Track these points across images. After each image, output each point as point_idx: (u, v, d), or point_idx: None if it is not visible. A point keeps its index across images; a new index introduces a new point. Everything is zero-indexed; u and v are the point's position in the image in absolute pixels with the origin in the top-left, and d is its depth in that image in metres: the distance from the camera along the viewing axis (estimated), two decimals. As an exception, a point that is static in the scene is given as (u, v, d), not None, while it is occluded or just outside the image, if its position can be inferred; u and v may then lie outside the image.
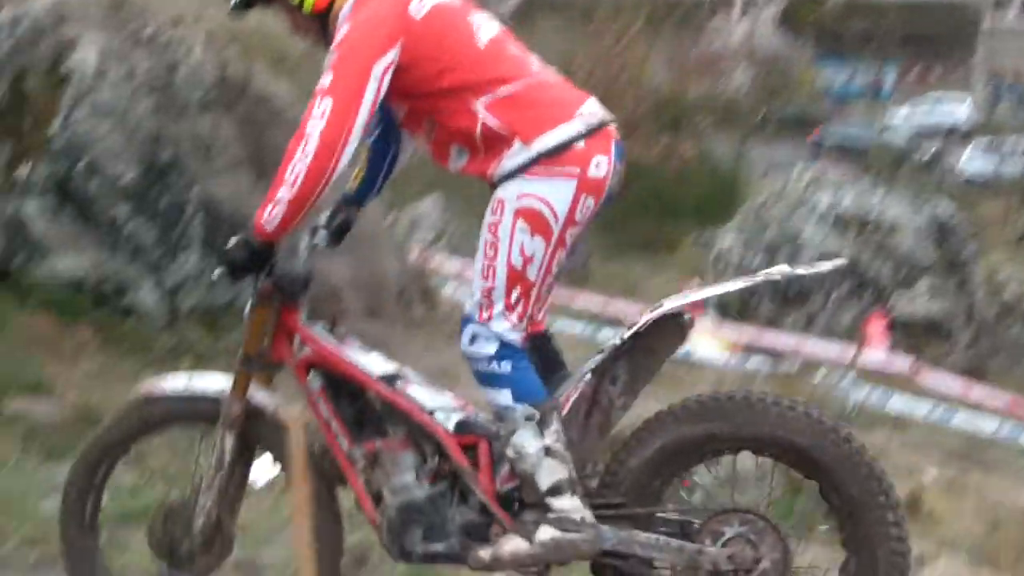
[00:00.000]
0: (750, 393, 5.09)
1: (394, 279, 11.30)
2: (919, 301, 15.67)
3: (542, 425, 4.51)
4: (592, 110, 4.58)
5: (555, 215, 4.48)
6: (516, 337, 4.54)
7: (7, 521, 6.81)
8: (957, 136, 48.85)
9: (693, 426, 4.69)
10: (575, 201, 4.48)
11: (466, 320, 4.58)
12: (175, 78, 10.15)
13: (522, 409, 4.50)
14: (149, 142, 9.84)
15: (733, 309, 15.98)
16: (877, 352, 14.13)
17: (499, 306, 4.53)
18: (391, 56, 4.42)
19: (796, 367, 13.34)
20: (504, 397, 4.54)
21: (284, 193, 4.31)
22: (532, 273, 4.50)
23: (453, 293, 12.75)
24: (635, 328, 4.58)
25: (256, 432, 4.89)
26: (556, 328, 4.73)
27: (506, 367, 4.53)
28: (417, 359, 5.17)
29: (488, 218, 4.55)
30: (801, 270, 4.84)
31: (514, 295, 4.53)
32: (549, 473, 4.53)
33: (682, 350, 10.19)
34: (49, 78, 9.68)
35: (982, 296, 16.35)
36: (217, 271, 4.65)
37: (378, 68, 4.39)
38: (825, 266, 4.92)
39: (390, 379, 4.71)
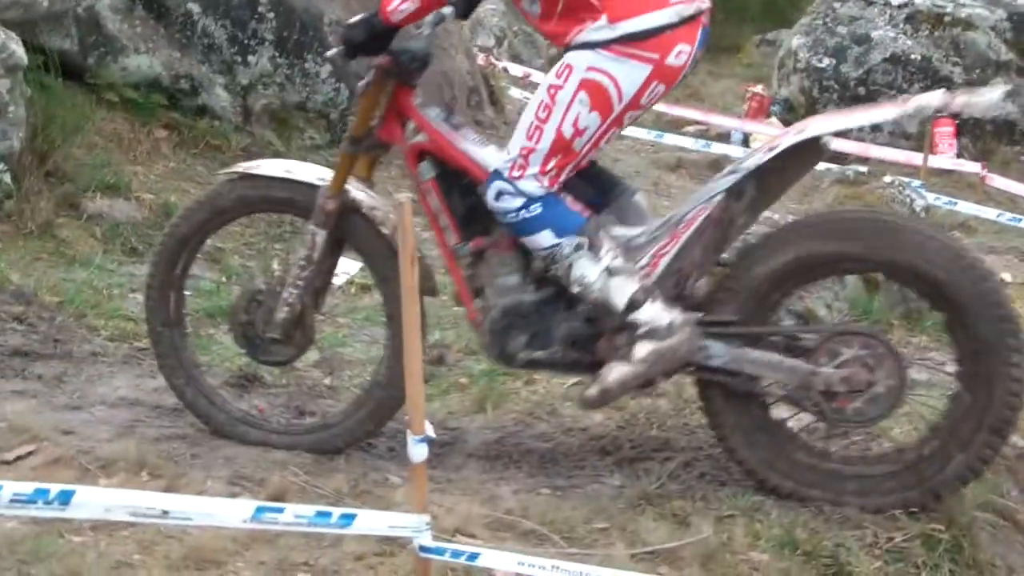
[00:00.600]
0: (891, 215, 5.11)
1: (464, 79, 11.26)
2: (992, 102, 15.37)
3: (593, 249, 4.54)
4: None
5: (620, 95, 4.46)
6: (541, 189, 4.56)
7: (96, 317, 6.91)
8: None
9: (829, 243, 4.62)
10: (645, 86, 4.47)
11: (495, 175, 4.60)
12: None
13: (567, 241, 4.51)
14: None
15: (800, 111, 15.80)
16: (946, 157, 14.02)
17: (534, 168, 4.53)
18: None
19: (864, 171, 13.25)
20: (545, 238, 4.56)
21: None
22: (578, 145, 4.52)
23: (520, 96, 12.64)
24: (775, 151, 4.51)
25: (347, 228, 4.92)
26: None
27: (536, 210, 4.54)
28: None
29: (550, 79, 4.57)
30: (961, 99, 4.69)
31: (552, 163, 4.54)
32: (619, 291, 4.56)
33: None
34: None
35: (1060, 98, 16.00)
36: (332, 50, 4.69)
37: None
38: (991, 95, 4.97)
39: None
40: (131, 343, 6.62)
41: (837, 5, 16.40)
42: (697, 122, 15.67)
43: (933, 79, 15.50)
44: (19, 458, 4.82)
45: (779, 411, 4.87)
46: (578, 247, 4.51)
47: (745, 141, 14.06)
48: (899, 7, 15.91)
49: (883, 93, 15.58)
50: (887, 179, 10.14)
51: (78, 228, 8.13)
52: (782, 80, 16.38)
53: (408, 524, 3.55)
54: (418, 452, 3.49)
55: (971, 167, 13.48)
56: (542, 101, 4.54)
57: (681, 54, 4.45)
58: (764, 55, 17.88)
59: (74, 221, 8.18)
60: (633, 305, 4.52)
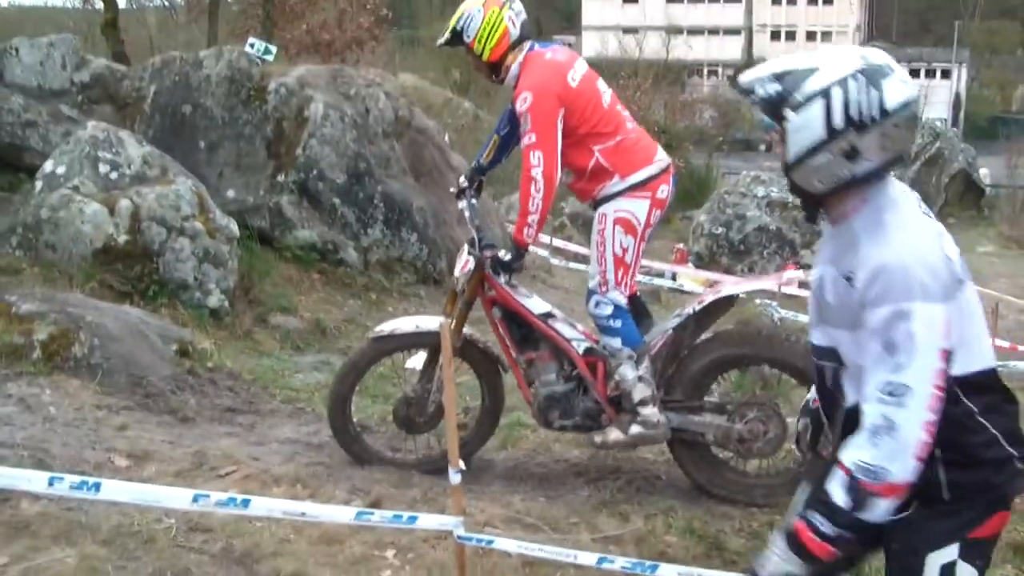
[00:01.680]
0: (772, 329, 5.36)
1: (502, 242, 11.39)
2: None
3: (638, 362, 4.78)
4: (661, 156, 4.82)
5: (638, 222, 4.72)
6: (623, 300, 4.78)
7: (275, 388, 6.98)
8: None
9: (733, 349, 4.88)
10: (649, 213, 4.74)
11: (591, 293, 4.85)
12: (368, 118, 10.19)
13: (626, 351, 4.78)
14: (353, 159, 9.88)
15: (705, 260, 15.97)
16: (791, 287, 14.08)
17: (611, 283, 4.73)
18: (562, 113, 4.52)
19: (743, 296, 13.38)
20: (616, 343, 4.79)
21: (532, 218, 4.58)
22: (628, 258, 4.75)
23: (532, 251, 12.72)
24: (704, 304, 4.83)
25: (464, 352, 5.11)
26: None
27: (617, 323, 4.78)
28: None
29: (595, 226, 4.80)
30: (801, 289, 5.25)
31: (619, 273, 4.75)
32: (640, 392, 4.76)
33: (675, 284, 10.22)
34: (296, 121, 9.75)
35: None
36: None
37: (559, 122, 4.52)
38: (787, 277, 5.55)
39: (545, 316, 4.91)
40: (295, 404, 6.68)
41: (726, 196, 16.64)
42: (644, 266, 15.94)
43: (783, 241, 15.75)
44: (227, 473, 4.92)
45: (714, 450, 5.02)
46: (630, 357, 4.73)
47: (673, 277, 14.10)
48: (762, 197, 16.16)
49: (754, 248, 15.81)
50: (757, 301, 10.25)
51: (266, 333, 8.22)
52: (695, 241, 16.48)
53: (450, 522, 3.64)
54: (455, 478, 3.60)
55: (806, 292, 13.58)
56: (596, 241, 4.77)
57: (663, 190, 4.74)
58: (684, 225, 17.99)
59: (264, 329, 8.28)
60: (643, 403, 4.74)
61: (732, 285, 5.12)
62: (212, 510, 3.87)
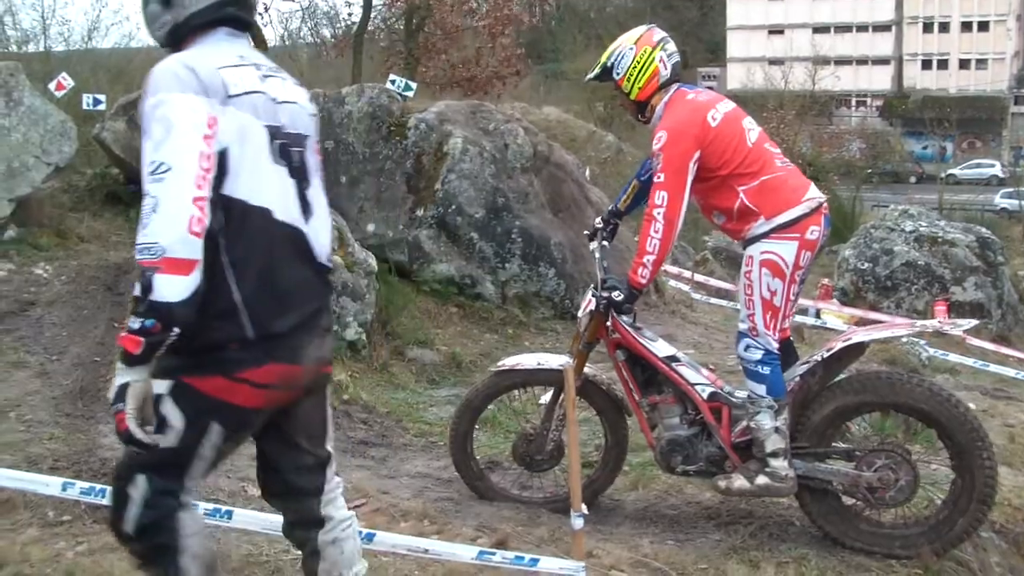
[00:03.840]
0: (893, 373, 5.11)
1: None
2: (968, 291, 15.10)
3: (778, 413, 4.59)
4: (812, 195, 4.59)
5: (786, 264, 4.49)
6: (774, 346, 4.59)
7: (408, 422, 6.98)
8: (993, 184, 47.25)
9: (855, 396, 4.65)
10: (798, 255, 4.50)
11: (741, 335, 4.63)
12: (507, 153, 10.21)
13: (769, 400, 4.58)
14: (491, 193, 9.90)
15: (851, 296, 15.51)
16: (926, 332, 13.69)
17: (759, 326, 4.53)
18: (697, 155, 4.41)
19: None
20: (760, 390, 4.59)
21: (648, 259, 4.45)
22: (777, 301, 4.53)
23: (674, 286, 12.52)
24: (833, 351, 4.64)
25: (585, 391, 5.03)
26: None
27: (766, 370, 4.57)
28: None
29: (743, 269, 4.62)
30: (947, 328, 5.19)
31: (768, 317, 4.54)
32: (773, 443, 4.59)
33: (818, 321, 9.94)
34: (436, 156, 9.86)
35: (1009, 288, 15.72)
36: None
37: (692, 165, 4.40)
38: (963, 325, 5.17)
39: (669, 359, 4.77)
40: (428, 438, 6.66)
41: (873, 231, 16.10)
42: (790, 303, 15.65)
43: (932, 277, 15.20)
44: (357, 506, 4.91)
45: (846, 499, 4.78)
46: (770, 406, 4.54)
47: (817, 314, 13.73)
48: (910, 232, 15.61)
49: (901, 284, 15.28)
50: (904, 340, 9.87)
51: (402, 366, 8.24)
52: (840, 276, 16.01)
53: (572, 566, 3.55)
54: (577, 522, 3.51)
55: (956, 331, 13.08)
56: (744, 284, 4.58)
57: (814, 231, 4.48)
58: (829, 260, 17.49)
59: (400, 362, 8.31)
60: (774, 455, 4.55)
61: (863, 332, 4.81)
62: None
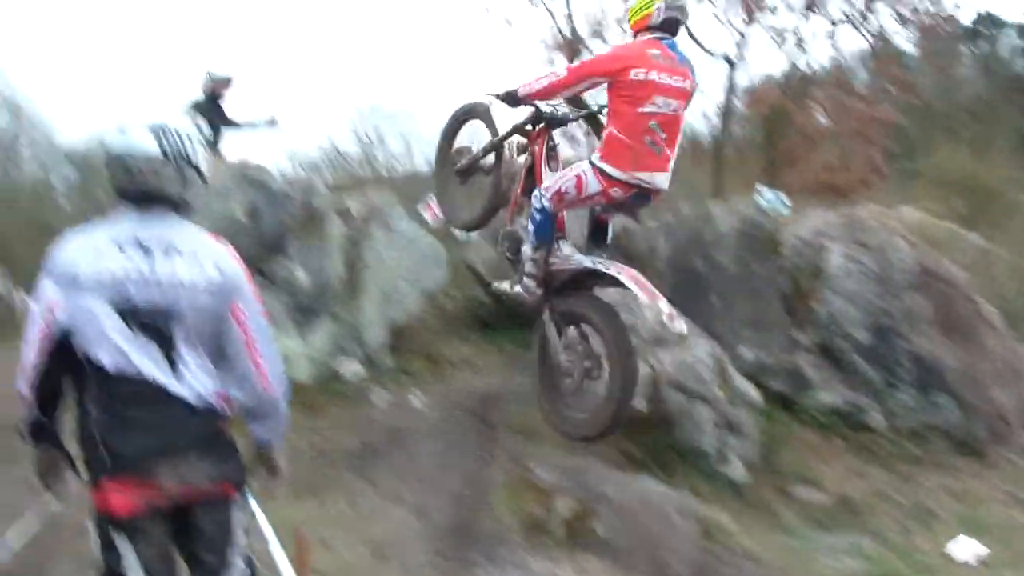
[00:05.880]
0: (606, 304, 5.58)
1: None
2: None
3: (536, 249, 5.60)
4: (641, 177, 5.17)
5: (585, 191, 5.32)
6: (549, 207, 5.49)
7: (798, 573, 6.35)
8: None
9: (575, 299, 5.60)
10: (594, 196, 5.35)
11: (538, 189, 5.61)
12: (890, 269, 9.37)
13: (532, 237, 5.60)
14: (875, 314, 9.10)
15: None
16: None
17: (551, 191, 5.48)
18: (604, 79, 5.24)
19: None
20: (530, 227, 5.61)
21: (533, 85, 5.56)
22: (567, 196, 5.43)
23: None
24: (598, 270, 5.42)
25: None
26: None
27: (537, 217, 5.55)
28: None
29: (575, 162, 5.55)
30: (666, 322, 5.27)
31: (555, 193, 5.45)
32: (527, 267, 5.64)
33: None
34: (812, 274, 9.22)
35: None
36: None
37: (599, 78, 5.30)
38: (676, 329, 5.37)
39: (546, 188, 5.59)
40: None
41: None
42: None
43: None
44: None
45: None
46: (531, 241, 5.61)
47: None
48: None
49: None
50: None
51: (785, 507, 7.50)
52: None
53: None
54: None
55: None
56: (565, 167, 5.58)
57: (616, 192, 5.23)
58: None
59: (783, 502, 7.57)
60: (527, 275, 5.63)
61: (633, 282, 5.23)
62: None
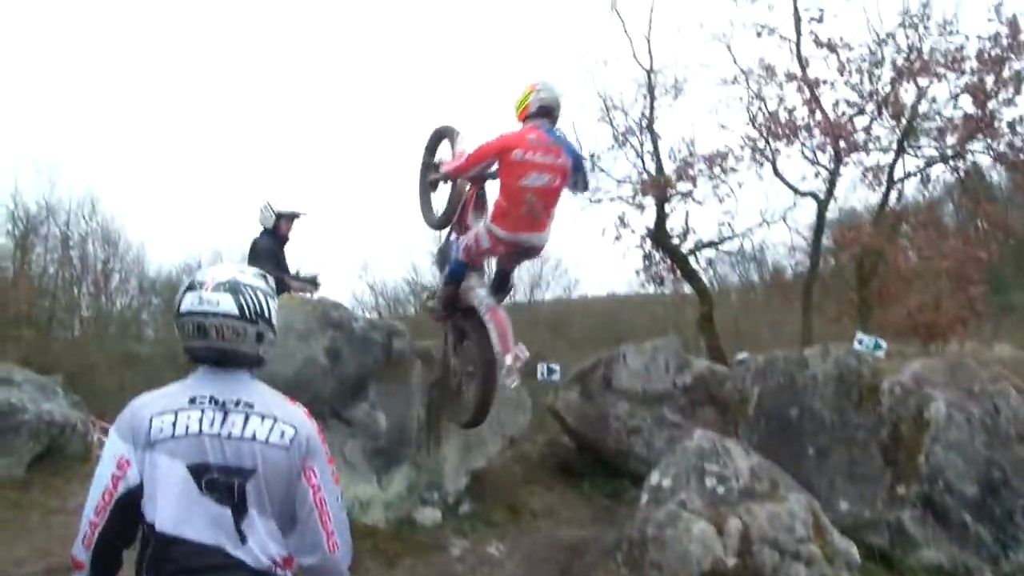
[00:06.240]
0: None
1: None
2: None
3: (446, 283, 6.71)
4: (520, 237, 6.12)
5: (478, 247, 6.32)
6: (461, 257, 6.50)
7: None
8: None
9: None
10: (485, 251, 6.39)
11: (455, 241, 6.68)
12: (999, 419, 8.87)
13: (445, 273, 6.69)
14: (984, 466, 8.58)
15: None
16: None
17: (461, 246, 6.48)
18: (494, 160, 6.30)
19: None
20: (446, 268, 6.73)
21: (451, 167, 6.81)
22: (472, 250, 6.43)
23: None
24: (482, 317, 6.46)
25: None
26: None
27: (452, 259, 6.59)
28: None
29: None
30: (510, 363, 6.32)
31: (463, 247, 6.47)
32: (438, 291, 6.88)
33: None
34: (915, 423, 8.73)
35: None
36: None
37: (491, 159, 6.27)
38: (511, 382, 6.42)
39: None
40: None
41: None
42: None
43: None
44: None
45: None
46: (444, 274, 6.80)
47: None
48: None
49: None
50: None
51: None
52: None
53: None
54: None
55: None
56: (470, 233, 6.49)
57: (502, 250, 6.27)
58: None
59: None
60: (438, 298, 7.01)
61: (496, 321, 6.39)
62: None
